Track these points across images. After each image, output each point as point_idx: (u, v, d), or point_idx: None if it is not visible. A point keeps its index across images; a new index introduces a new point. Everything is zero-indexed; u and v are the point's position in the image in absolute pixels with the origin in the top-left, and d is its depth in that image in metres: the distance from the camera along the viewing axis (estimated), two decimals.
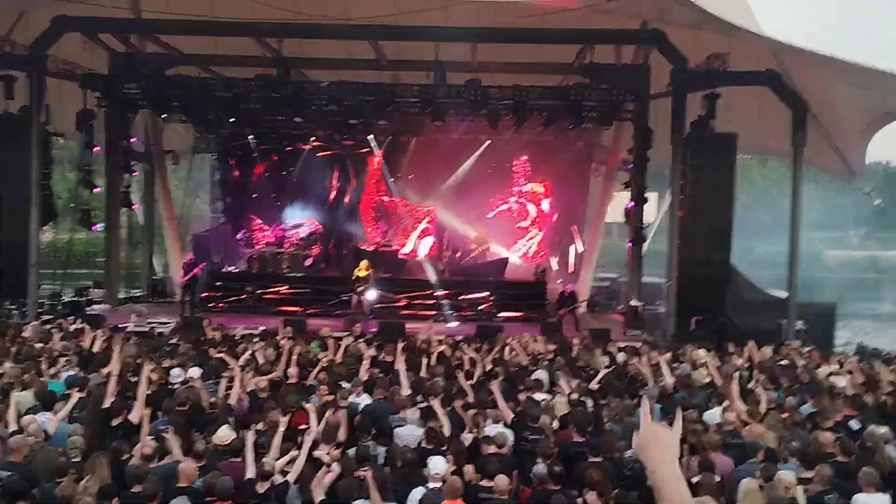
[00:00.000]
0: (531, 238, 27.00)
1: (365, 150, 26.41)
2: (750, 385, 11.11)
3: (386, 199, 26.93)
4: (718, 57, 18.56)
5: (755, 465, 7.80)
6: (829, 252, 62.29)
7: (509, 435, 8.72)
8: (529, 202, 26.95)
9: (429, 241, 25.93)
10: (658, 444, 2.20)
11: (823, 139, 21.21)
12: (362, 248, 24.54)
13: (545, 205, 26.89)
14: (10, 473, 7.10)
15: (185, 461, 7.41)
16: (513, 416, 9.24)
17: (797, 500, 7.00)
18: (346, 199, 26.99)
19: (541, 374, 11.53)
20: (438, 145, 25.64)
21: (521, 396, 10.20)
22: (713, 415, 9.57)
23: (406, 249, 25.59)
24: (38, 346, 12.74)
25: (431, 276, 22.96)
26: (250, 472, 7.30)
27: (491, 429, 8.81)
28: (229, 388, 10.00)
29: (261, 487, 7.15)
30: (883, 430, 8.76)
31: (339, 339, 14.30)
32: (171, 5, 21.25)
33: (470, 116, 21.83)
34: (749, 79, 19.32)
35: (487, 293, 21.90)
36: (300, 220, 26.79)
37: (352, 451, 8.03)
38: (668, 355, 13.42)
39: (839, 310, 22.58)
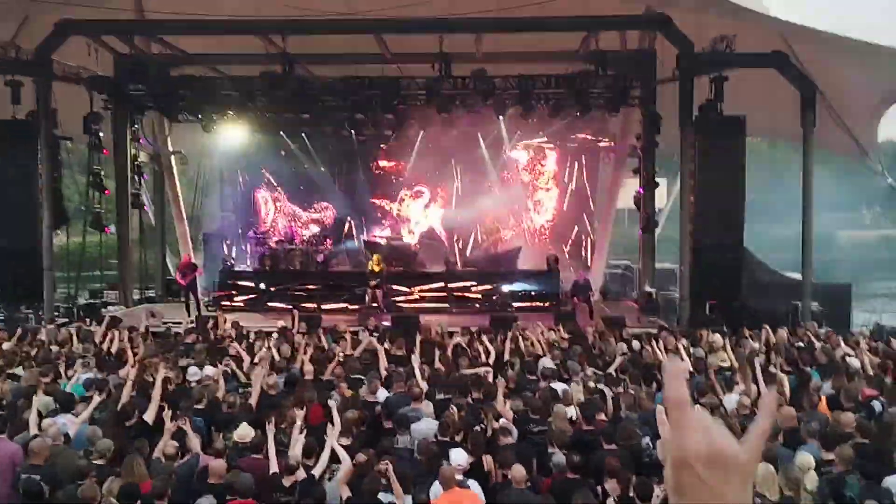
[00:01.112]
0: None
1: (372, 144, 26.43)
2: (768, 367, 11.07)
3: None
4: (724, 40, 18.45)
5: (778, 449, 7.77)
6: (842, 232, 61.95)
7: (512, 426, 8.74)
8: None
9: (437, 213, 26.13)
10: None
11: (833, 119, 21.05)
12: (373, 241, 24.56)
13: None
14: (30, 476, 7.15)
15: (212, 461, 7.43)
16: (513, 413, 9.21)
17: (807, 483, 6.94)
18: (356, 193, 26.99)
19: (547, 362, 11.54)
20: (446, 136, 25.64)
21: (541, 385, 10.20)
22: (730, 399, 9.55)
23: (416, 226, 25.68)
24: (55, 349, 12.80)
25: (443, 267, 23.01)
26: (273, 467, 7.34)
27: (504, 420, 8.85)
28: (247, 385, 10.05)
29: (287, 482, 7.18)
30: None
31: (355, 333, 14.32)
32: (174, 6, 21.23)
33: (476, 107, 21.77)
34: (756, 61, 19.19)
35: (500, 283, 21.88)
36: (311, 215, 26.84)
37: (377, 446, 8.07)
38: (685, 340, 13.40)
39: (855, 290, 22.42)
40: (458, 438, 8.30)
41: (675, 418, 1.62)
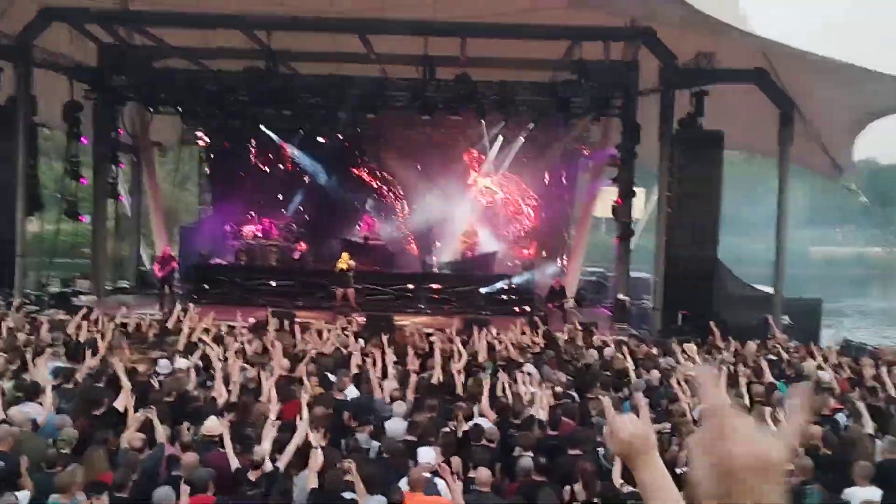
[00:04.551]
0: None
1: (353, 143, 26.46)
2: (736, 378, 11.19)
3: (366, 177, 27.07)
4: (706, 55, 18.65)
5: None
6: (815, 249, 62.66)
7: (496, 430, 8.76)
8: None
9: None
10: (633, 439, 2.19)
11: (810, 137, 21.31)
12: (350, 240, 24.55)
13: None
14: None
15: (181, 453, 7.41)
16: (495, 414, 9.26)
17: None
18: (334, 191, 26.97)
19: (530, 368, 11.61)
20: (427, 139, 25.75)
21: (512, 390, 10.24)
22: (697, 408, 9.65)
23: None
24: (24, 336, 12.69)
25: (419, 269, 23.07)
26: (234, 463, 7.31)
27: (481, 421, 8.86)
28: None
29: (252, 476, 7.17)
30: (868, 424, 8.87)
31: (329, 331, 14.32)
32: None
33: (458, 111, 21.83)
34: (736, 77, 19.42)
35: (475, 286, 21.95)
36: (289, 212, 26.80)
37: (342, 444, 8.07)
38: (655, 349, 13.53)
39: (825, 305, 22.69)
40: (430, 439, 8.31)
41: (718, 426, 1.69)
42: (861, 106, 20.45)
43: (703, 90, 19.07)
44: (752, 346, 14.21)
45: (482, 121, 22.36)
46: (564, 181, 27.04)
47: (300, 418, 7.95)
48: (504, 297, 21.90)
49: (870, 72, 17.51)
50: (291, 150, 26.36)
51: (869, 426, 8.88)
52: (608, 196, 22.89)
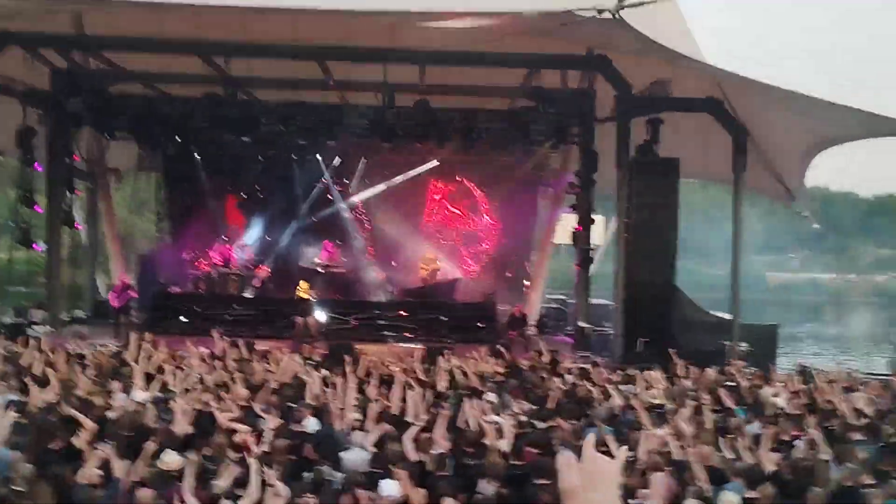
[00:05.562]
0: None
1: (315, 169, 26.34)
2: (695, 405, 11.26)
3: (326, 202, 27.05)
4: (662, 82, 18.94)
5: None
6: (770, 274, 63.67)
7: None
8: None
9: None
10: (599, 478, 2.19)
11: (764, 164, 21.70)
12: (308, 268, 24.38)
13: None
14: None
15: (140, 491, 7.24)
16: (450, 444, 9.21)
17: None
18: (296, 219, 26.80)
19: (491, 396, 11.58)
20: (388, 165, 25.75)
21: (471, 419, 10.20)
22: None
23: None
24: None
25: (380, 296, 22.96)
26: (190, 501, 7.12)
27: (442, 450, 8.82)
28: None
29: None
30: (825, 450, 8.97)
31: (289, 360, 14.15)
32: (115, 22, 20.94)
33: (418, 138, 21.90)
34: (690, 105, 19.77)
35: (437, 314, 21.89)
36: (248, 240, 26.54)
37: (304, 477, 7.96)
38: (617, 376, 13.60)
39: (781, 331, 22.99)
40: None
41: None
42: (812, 134, 20.89)
43: (658, 118, 19.36)
44: (710, 372, 14.34)
45: (441, 148, 22.43)
46: (525, 208, 27.17)
47: (252, 453, 7.81)
48: (466, 325, 21.84)
49: (819, 101, 17.89)
50: (250, 177, 26.18)
51: (825, 453, 8.99)
52: (568, 223, 23.05)
